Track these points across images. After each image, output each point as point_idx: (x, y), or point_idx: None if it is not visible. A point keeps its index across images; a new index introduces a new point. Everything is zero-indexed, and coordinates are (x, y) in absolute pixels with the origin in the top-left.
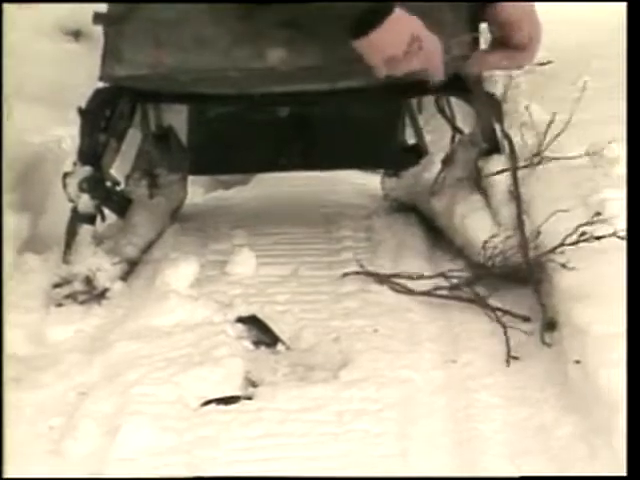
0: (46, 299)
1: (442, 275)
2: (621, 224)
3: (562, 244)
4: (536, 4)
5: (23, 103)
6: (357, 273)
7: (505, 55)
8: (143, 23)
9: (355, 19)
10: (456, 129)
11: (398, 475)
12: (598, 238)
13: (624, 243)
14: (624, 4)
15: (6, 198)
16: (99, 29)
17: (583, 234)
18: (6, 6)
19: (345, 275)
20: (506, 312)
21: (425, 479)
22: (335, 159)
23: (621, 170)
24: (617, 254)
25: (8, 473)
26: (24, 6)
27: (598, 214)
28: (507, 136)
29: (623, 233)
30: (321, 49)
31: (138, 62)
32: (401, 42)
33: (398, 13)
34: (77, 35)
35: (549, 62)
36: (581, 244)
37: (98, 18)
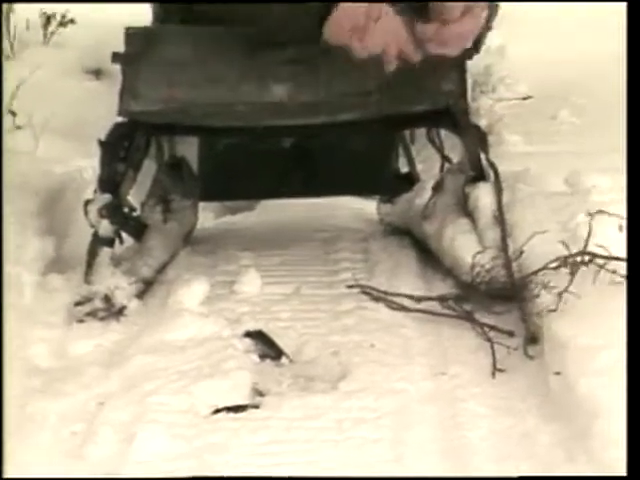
0: (69, 316)
1: (440, 298)
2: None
3: (545, 267)
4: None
5: (49, 136)
6: (361, 289)
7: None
8: (158, 62)
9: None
10: (445, 158)
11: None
12: (575, 265)
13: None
14: (600, 46)
15: (32, 223)
16: (118, 68)
17: (566, 259)
18: (33, 46)
19: (350, 287)
20: (492, 327)
21: (420, 479)
22: (334, 186)
23: (597, 197)
24: (593, 273)
25: (8, 473)
26: (50, 46)
27: (583, 253)
28: (492, 165)
29: (601, 262)
30: (322, 85)
31: (153, 98)
32: (358, 14)
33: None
34: (98, 74)
35: (530, 97)
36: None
37: (116, 57)
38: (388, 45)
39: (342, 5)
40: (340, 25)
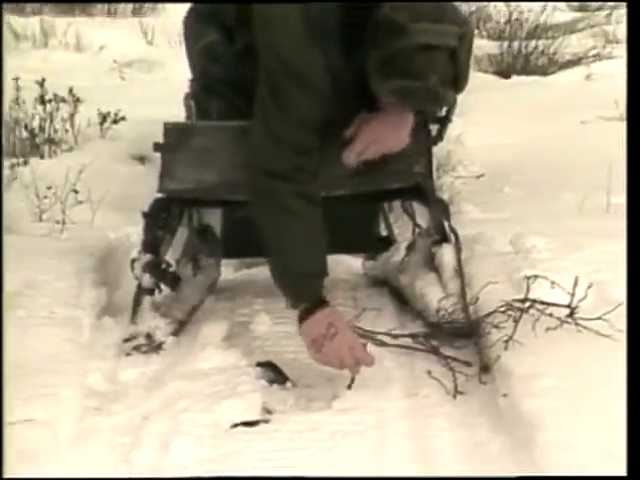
0: (118, 350)
1: (412, 336)
2: (539, 294)
3: (495, 311)
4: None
5: (103, 209)
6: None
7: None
8: (189, 150)
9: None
10: (416, 224)
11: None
12: (519, 310)
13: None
14: (533, 132)
15: (89, 277)
16: (158, 155)
17: (512, 304)
18: (92, 139)
19: None
20: (454, 359)
21: (412, 479)
22: (329, 246)
23: (536, 255)
24: (534, 316)
25: (8, 473)
26: (105, 139)
27: (525, 300)
28: (453, 229)
29: (540, 307)
30: (322, 167)
31: (186, 179)
32: (319, 331)
33: (321, 314)
34: (142, 160)
35: (482, 175)
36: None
37: (157, 147)
38: (342, 359)
39: (309, 321)
40: (306, 332)
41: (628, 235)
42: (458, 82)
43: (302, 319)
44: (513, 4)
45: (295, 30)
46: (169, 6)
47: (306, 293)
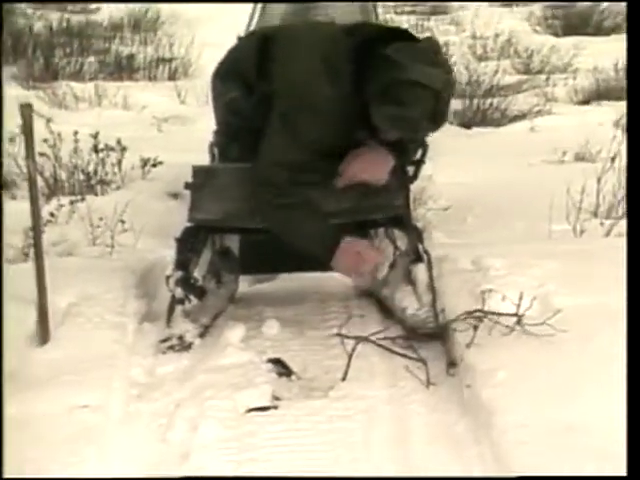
0: (156, 349)
1: (392, 338)
2: (495, 306)
3: (458, 318)
4: (437, 179)
5: (144, 235)
6: (340, 335)
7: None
8: (213, 187)
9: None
10: (396, 247)
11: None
12: (480, 319)
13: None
14: (489, 174)
15: (133, 291)
16: (188, 192)
17: (470, 313)
18: (135, 180)
19: (338, 335)
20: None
21: (416, 479)
22: (325, 265)
23: (493, 273)
24: (490, 324)
25: (7, 473)
26: (146, 180)
27: (481, 310)
28: (426, 251)
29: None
30: (326, 200)
31: (210, 211)
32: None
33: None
34: (175, 196)
35: (449, 207)
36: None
37: (187, 186)
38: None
39: None
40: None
41: (628, 247)
42: (437, 118)
43: (331, 256)
44: (471, 69)
45: (312, 68)
46: (198, 72)
47: (326, 241)
